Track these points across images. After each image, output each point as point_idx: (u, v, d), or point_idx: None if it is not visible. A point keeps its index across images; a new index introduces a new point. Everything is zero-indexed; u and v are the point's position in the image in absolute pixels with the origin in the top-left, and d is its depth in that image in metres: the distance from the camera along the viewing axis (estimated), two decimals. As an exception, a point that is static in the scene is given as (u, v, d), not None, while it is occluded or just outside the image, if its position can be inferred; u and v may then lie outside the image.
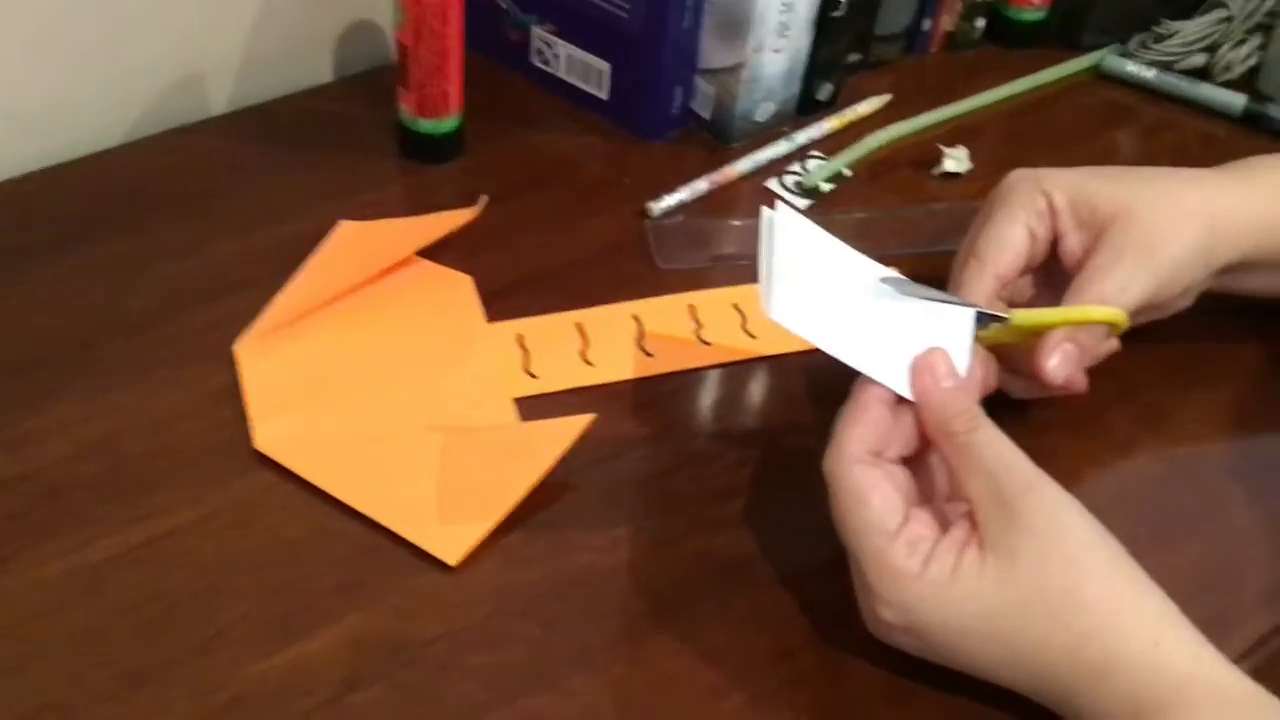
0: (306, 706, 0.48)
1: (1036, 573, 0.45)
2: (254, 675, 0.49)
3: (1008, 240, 0.57)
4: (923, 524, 0.48)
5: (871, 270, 0.53)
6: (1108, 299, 0.55)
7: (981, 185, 0.74)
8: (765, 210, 0.52)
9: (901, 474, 0.50)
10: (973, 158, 0.75)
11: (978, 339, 0.53)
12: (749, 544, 0.55)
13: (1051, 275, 0.59)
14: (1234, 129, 0.80)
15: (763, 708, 0.49)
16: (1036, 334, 0.54)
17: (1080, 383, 0.56)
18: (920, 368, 0.50)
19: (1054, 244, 0.58)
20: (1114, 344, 0.58)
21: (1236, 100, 0.80)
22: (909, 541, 0.47)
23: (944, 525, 0.48)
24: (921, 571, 0.46)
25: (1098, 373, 0.60)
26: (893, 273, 0.54)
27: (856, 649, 0.51)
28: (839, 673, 0.51)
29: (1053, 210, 0.57)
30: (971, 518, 0.47)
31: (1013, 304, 0.59)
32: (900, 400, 0.50)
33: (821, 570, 0.54)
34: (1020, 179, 0.59)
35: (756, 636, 0.52)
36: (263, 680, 0.48)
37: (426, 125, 0.70)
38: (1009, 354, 0.56)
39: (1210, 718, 0.44)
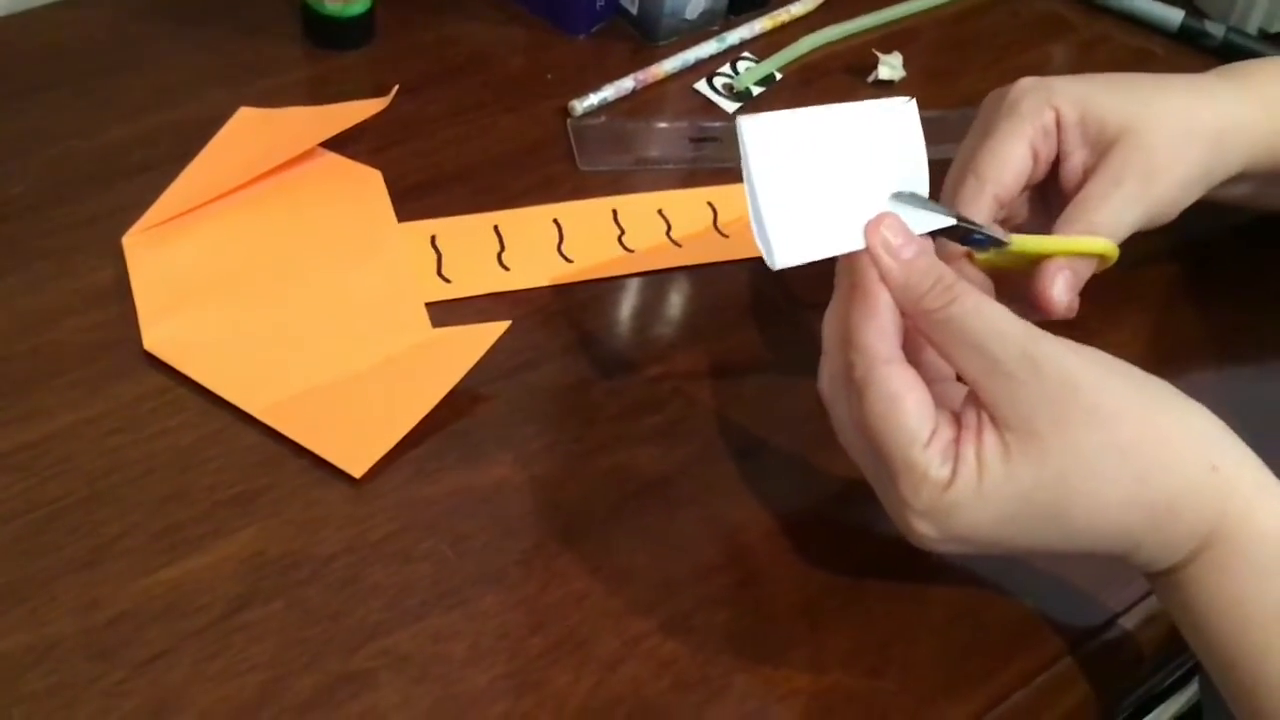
0: (198, 624, 0.45)
1: (1062, 437, 0.42)
2: (140, 591, 0.46)
3: (1011, 158, 0.52)
4: (946, 423, 0.43)
5: (869, 121, 0.47)
6: (1101, 228, 0.51)
7: (914, 93, 0.72)
8: (738, 121, 0.45)
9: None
10: (906, 65, 0.73)
11: (976, 261, 0.49)
12: (668, 460, 0.53)
13: (1048, 194, 0.56)
14: (1170, 45, 0.79)
15: (679, 628, 0.48)
16: (1030, 261, 0.51)
17: (1074, 308, 0.52)
18: (872, 245, 0.44)
19: (1055, 162, 0.55)
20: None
21: (1174, 15, 0.79)
22: (941, 448, 0.43)
23: (953, 414, 0.44)
24: (952, 478, 0.42)
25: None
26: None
27: (774, 568, 0.50)
28: (757, 592, 0.50)
29: (1060, 126, 0.53)
30: (974, 398, 0.43)
31: (1007, 225, 0.55)
32: None
33: (742, 488, 0.53)
34: (1029, 89, 0.54)
35: (674, 555, 0.50)
36: (150, 596, 0.46)
37: (333, 7, 0.66)
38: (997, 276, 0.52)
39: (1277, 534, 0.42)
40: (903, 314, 0.44)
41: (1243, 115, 0.55)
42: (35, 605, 0.45)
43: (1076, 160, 0.54)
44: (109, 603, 0.45)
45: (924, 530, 0.43)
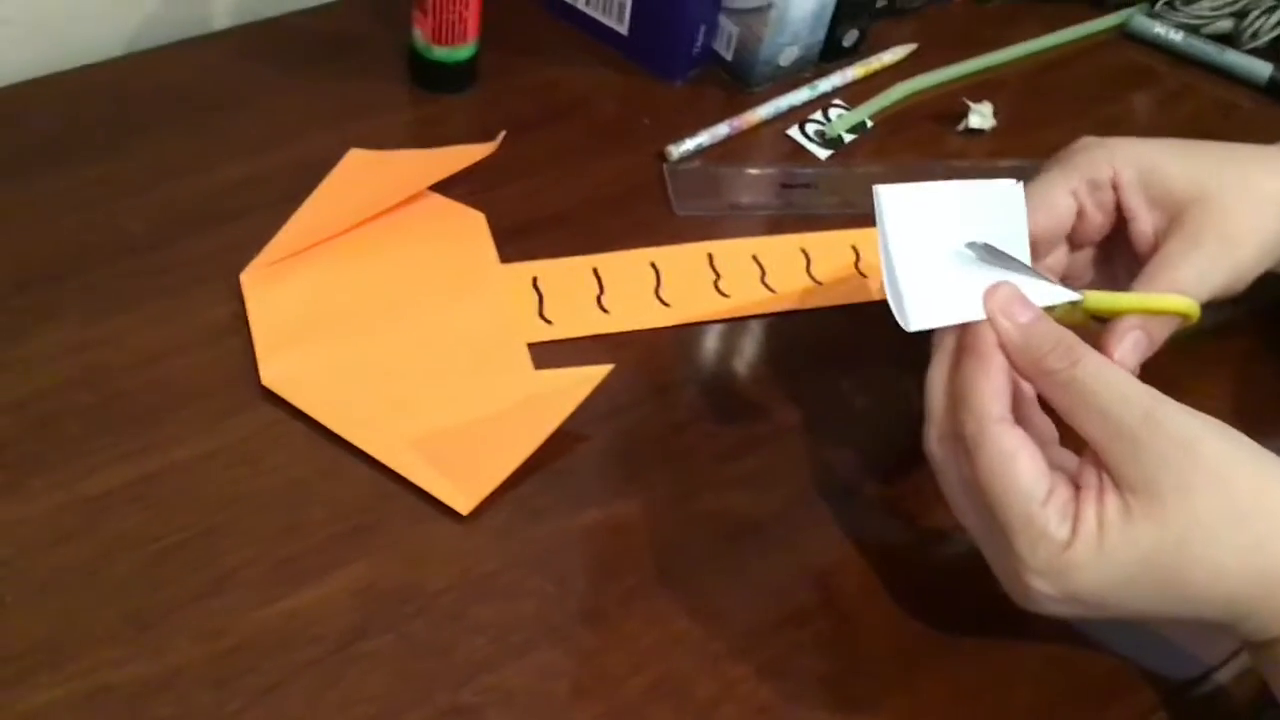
0: (314, 654, 0.47)
1: (1185, 501, 0.42)
2: (259, 621, 0.47)
3: (1048, 201, 0.53)
4: (1062, 483, 0.44)
5: (982, 198, 0.49)
6: (1184, 288, 0.51)
7: (1004, 143, 0.73)
8: (876, 190, 0.48)
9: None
10: (996, 114, 0.73)
11: None
12: (763, 504, 0.54)
13: (1112, 256, 0.57)
14: (1258, 99, 0.79)
15: (774, 672, 0.49)
16: (1102, 318, 0.51)
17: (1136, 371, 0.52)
18: (991, 311, 0.46)
19: (1118, 223, 0.55)
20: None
21: (1262, 69, 0.79)
22: (1058, 506, 0.43)
23: (1068, 476, 0.44)
24: (1072, 538, 0.43)
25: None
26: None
27: (868, 615, 0.51)
28: (850, 640, 0.50)
29: (1117, 185, 0.54)
30: (1094, 459, 0.44)
31: (1071, 284, 0.55)
32: None
33: (836, 533, 0.53)
34: (1088, 145, 0.55)
35: (769, 599, 0.51)
36: (267, 627, 0.47)
37: (441, 52, 0.68)
38: None
39: None
40: (1023, 376, 0.45)
41: None
42: (157, 635, 0.47)
43: (1145, 223, 0.54)
44: (228, 633, 0.47)
45: (1040, 588, 0.44)
